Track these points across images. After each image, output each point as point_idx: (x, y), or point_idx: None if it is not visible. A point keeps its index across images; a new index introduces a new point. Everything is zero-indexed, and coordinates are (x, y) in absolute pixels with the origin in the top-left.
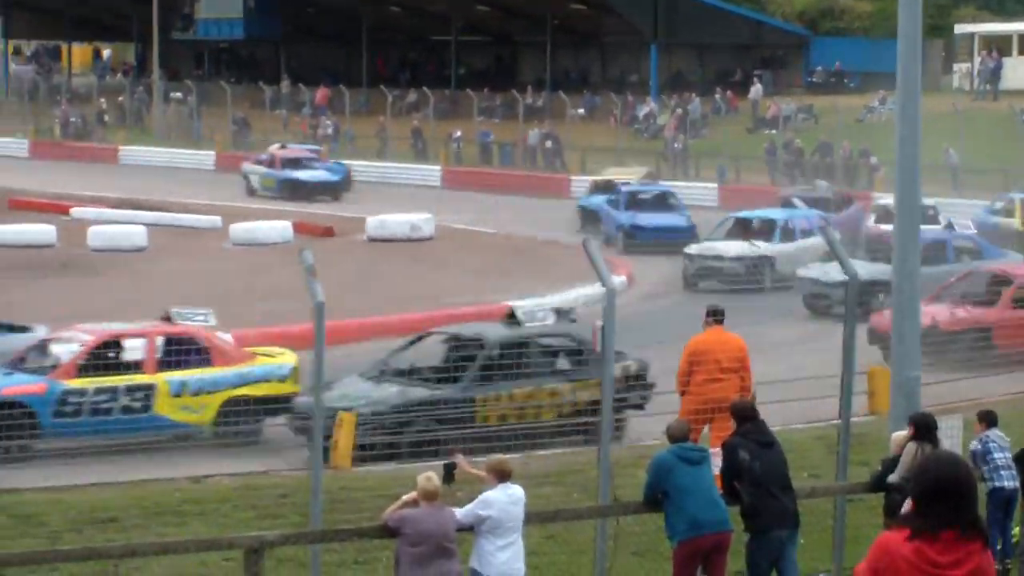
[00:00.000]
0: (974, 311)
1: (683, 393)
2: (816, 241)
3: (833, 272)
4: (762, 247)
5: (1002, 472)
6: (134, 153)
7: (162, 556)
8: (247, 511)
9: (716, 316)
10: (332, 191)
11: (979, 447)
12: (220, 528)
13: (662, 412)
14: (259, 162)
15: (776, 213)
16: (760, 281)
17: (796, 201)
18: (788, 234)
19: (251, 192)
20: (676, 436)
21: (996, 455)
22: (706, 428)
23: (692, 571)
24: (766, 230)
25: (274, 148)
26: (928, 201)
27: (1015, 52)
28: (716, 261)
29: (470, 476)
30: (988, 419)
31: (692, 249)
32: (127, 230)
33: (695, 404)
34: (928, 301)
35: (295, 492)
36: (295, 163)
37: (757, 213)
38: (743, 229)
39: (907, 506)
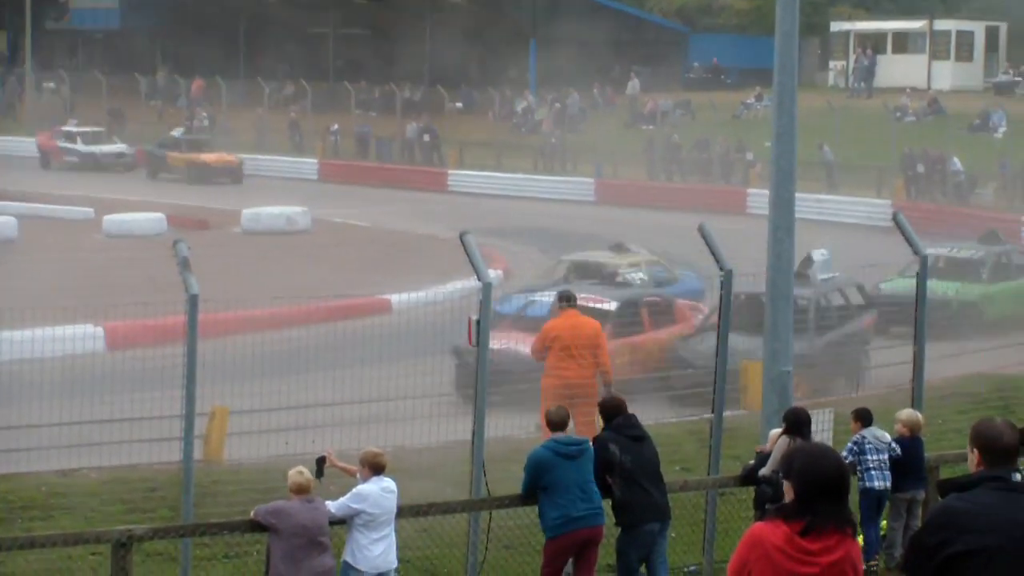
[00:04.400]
0: None
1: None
2: None
3: None
4: None
5: (872, 473)
6: (6, 144)
7: (28, 551)
8: (116, 505)
9: (569, 301)
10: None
11: (855, 448)
12: (88, 522)
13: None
14: None
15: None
16: None
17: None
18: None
19: None
20: (556, 422)
21: (869, 456)
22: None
23: (562, 564)
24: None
25: None
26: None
27: (889, 50)
28: None
29: (338, 471)
30: (864, 418)
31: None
32: None
33: (553, 384)
34: None
35: (165, 486)
36: None
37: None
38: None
39: (788, 496)
